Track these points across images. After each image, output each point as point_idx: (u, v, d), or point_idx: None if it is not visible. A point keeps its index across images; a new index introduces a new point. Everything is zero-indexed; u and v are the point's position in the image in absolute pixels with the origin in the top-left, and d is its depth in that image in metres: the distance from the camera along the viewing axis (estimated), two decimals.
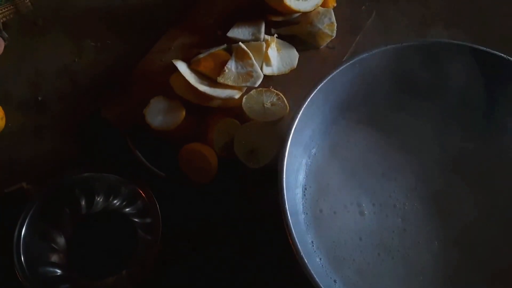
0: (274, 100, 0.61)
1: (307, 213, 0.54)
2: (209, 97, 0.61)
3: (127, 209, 0.56)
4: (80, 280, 0.53)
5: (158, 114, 0.60)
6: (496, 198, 0.54)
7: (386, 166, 0.56)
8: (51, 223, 0.54)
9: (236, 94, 0.62)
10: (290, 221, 0.45)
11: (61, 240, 0.54)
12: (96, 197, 0.56)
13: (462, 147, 0.56)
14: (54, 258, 0.53)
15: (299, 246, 0.45)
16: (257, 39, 0.66)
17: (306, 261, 0.44)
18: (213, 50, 0.65)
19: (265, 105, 0.61)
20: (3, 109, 0.64)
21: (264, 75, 0.63)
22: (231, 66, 0.62)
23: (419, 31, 0.72)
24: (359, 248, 0.53)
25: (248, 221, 0.58)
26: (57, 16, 0.72)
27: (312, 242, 0.52)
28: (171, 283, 0.56)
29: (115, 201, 0.56)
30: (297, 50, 0.66)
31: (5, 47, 0.68)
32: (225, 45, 0.65)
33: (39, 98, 0.66)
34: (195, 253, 0.57)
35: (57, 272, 0.53)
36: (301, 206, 0.54)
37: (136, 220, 0.56)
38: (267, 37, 0.66)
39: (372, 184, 0.55)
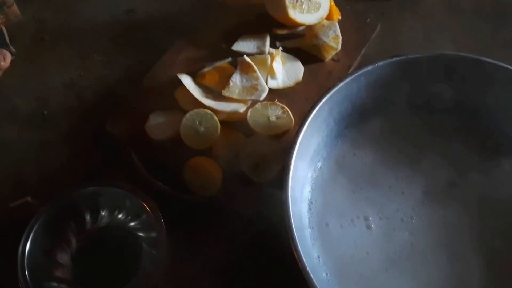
0: (279, 113, 0.61)
1: (313, 227, 0.53)
2: (214, 111, 0.61)
3: (132, 223, 0.56)
4: None
5: (158, 127, 0.61)
6: (508, 212, 0.53)
7: (393, 179, 0.55)
8: (56, 238, 0.54)
9: (241, 108, 0.62)
10: (296, 236, 0.45)
11: (66, 255, 0.54)
12: (101, 212, 0.55)
13: (471, 159, 0.56)
14: (59, 273, 0.53)
15: (304, 261, 0.44)
16: (262, 52, 0.66)
17: (312, 276, 0.43)
18: (218, 64, 0.65)
19: (270, 118, 0.61)
20: (10, 123, 0.64)
21: (269, 88, 0.63)
22: (236, 79, 0.62)
23: (425, 43, 0.72)
24: (366, 262, 0.52)
25: (253, 235, 0.57)
26: (63, 31, 0.73)
27: (318, 256, 0.52)
28: None
29: (120, 216, 0.56)
30: (302, 63, 0.66)
31: (12, 61, 0.69)
32: (230, 59, 0.66)
33: (45, 112, 0.67)
34: (200, 267, 0.56)
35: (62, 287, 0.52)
36: (307, 220, 0.53)
37: (141, 234, 0.55)
38: (272, 50, 0.66)
39: (379, 197, 0.54)
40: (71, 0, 0.75)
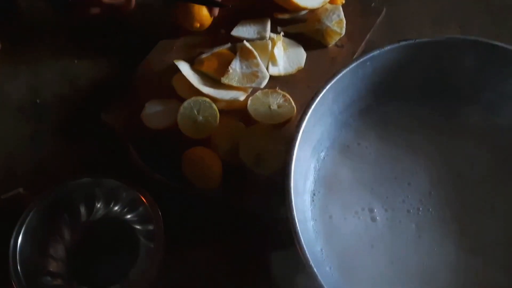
0: (281, 101, 0.60)
1: (316, 220, 0.52)
2: (213, 99, 0.59)
3: (128, 216, 0.55)
4: None
5: (155, 116, 0.59)
6: None
7: (399, 170, 0.54)
8: (49, 231, 0.52)
9: (241, 96, 0.60)
10: (298, 229, 0.44)
11: (60, 248, 0.53)
12: (96, 204, 0.54)
13: (480, 150, 0.54)
14: (53, 267, 0.52)
15: (307, 255, 0.43)
16: (262, 37, 0.65)
17: (316, 270, 0.42)
18: (216, 50, 0.63)
19: (271, 107, 0.59)
20: (1, 113, 0.63)
21: (270, 76, 0.62)
22: (236, 66, 0.61)
23: (431, 28, 0.70)
24: (371, 255, 0.51)
25: (254, 228, 0.56)
26: (56, 17, 0.71)
27: (322, 249, 0.50)
28: None
29: (116, 208, 0.55)
30: (304, 49, 0.65)
31: (3, 49, 0.67)
32: (229, 44, 0.64)
33: (38, 101, 0.65)
34: (198, 260, 0.56)
35: (56, 282, 0.51)
36: (310, 213, 0.52)
37: (138, 227, 0.54)
38: (273, 35, 0.64)
39: (385, 188, 0.53)
40: None
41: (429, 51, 0.52)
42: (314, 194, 0.53)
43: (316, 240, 0.51)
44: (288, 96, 0.60)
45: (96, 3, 0.61)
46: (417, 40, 0.51)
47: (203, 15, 0.63)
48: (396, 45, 0.51)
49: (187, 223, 0.57)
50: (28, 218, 0.51)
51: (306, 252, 0.43)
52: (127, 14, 0.64)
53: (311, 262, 0.42)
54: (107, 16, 0.64)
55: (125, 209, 0.55)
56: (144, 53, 0.65)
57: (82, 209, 0.54)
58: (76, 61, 0.68)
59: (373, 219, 0.52)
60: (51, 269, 0.51)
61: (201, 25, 0.64)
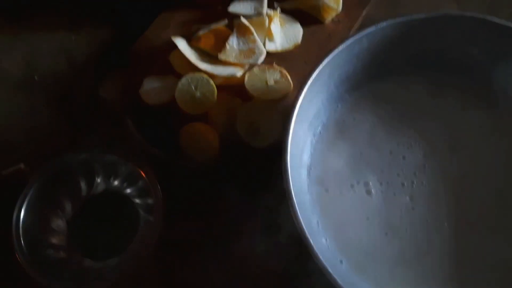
0: (278, 77, 0.60)
1: (312, 193, 0.52)
2: (211, 75, 0.59)
3: (128, 190, 0.55)
4: (82, 262, 0.53)
5: (153, 92, 0.59)
6: (510, 174, 0.53)
7: (394, 144, 0.54)
8: (51, 205, 0.53)
9: (238, 72, 0.60)
10: (295, 202, 0.44)
11: (62, 222, 0.53)
12: (96, 178, 0.55)
13: (473, 123, 0.55)
14: (56, 240, 0.53)
15: (304, 227, 0.43)
16: (259, 13, 0.63)
17: (312, 242, 0.43)
18: (213, 26, 0.63)
19: (268, 82, 0.59)
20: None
21: (267, 52, 0.61)
22: (233, 42, 0.60)
23: (429, 5, 0.69)
24: (366, 227, 0.51)
25: (252, 202, 0.57)
26: None
27: (318, 222, 0.51)
28: (175, 263, 0.56)
29: (116, 182, 0.55)
30: (301, 25, 0.64)
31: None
32: (226, 21, 0.63)
33: (35, 77, 0.65)
34: (197, 233, 0.56)
35: (59, 255, 0.52)
36: (306, 186, 0.52)
37: (138, 201, 0.55)
38: (270, 11, 0.64)
39: (380, 162, 0.54)
40: None
41: (426, 27, 0.52)
42: (310, 168, 0.54)
43: (313, 213, 0.51)
44: (284, 71, 0.60)
45: None
46: (413, 16, 0.50)
47: None
48: (392, 21, 0.50)
49: (186, 197, 0.57)
50: (30, 193, 0.51)
51: (303, 224, 0.43)
52: None
53: (307, 234, 0.43)
54: None
55: (125, 184, 0.55)
56: (142, 29, 0.65)
57: (83, 184, 0.54)
58: (73, 36, 0.67)
59: (368, 192, 0.53)
60: (54, 242, 0.52)
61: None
